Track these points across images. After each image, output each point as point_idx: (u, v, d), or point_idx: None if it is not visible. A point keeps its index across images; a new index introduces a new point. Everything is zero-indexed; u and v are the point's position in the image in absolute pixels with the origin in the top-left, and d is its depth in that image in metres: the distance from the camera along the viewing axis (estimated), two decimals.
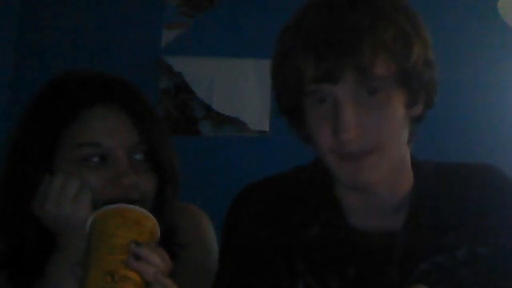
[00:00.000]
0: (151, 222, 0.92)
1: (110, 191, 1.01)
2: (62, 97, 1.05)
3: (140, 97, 1.08)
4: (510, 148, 2.35)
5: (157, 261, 0.89)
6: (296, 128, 1.06)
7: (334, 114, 0.94)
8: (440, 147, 2.32)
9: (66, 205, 0.97)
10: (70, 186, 0.98)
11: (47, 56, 2.39)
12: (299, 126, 1.04)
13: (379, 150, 0.96)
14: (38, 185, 1.00)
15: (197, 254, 1.14)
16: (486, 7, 2.34)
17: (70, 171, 1.00)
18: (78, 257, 0.92)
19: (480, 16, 2.40)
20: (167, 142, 1.09)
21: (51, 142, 1.02)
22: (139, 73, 2.38)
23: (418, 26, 0.97)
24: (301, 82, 0.95)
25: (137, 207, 0.92)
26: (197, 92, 2.44)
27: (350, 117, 0.93)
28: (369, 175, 0.96)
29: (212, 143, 2.43)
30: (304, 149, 1.06)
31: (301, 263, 1.03)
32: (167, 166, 1.07)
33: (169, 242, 1.08)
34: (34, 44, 2.44)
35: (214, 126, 2.45)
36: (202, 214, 1.22)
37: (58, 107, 1.04)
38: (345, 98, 0.93)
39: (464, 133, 2.34)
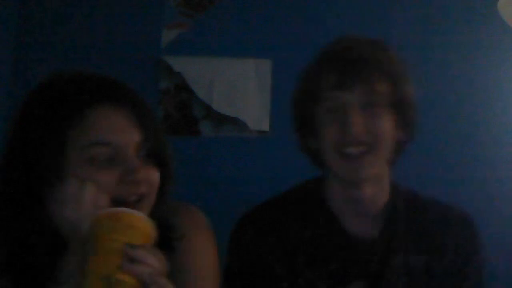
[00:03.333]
0: (146, 225, 0.92)
1: (123, 188, 1.01)
2: (63, 98, 1.03)
3: (138, 96, 1.09)
4: (510, 148, 2.35)
5: (152, 262, 0.89)
6: (305, 138, 1.33)
7: (343, 116, 1.23)
8: (439, 147, 2.32)
9: (85, 210, 0.96)
10: (86, 191, 0.97)
11: (46, 56, 2.39)
12: (309, 135, 1.31)
13: (374, 149, 1.24)
14: (48, 190, 0.99)
15: (194, 251, 1.14)
16: (486, 7, 2.34)
17: (80, 173, 0.99)
18: None
19: (480, 16, 2.40)
20: (165, 139, 1.11)
21: (59, 145, 1.00)
22: (139, 73, 2.38)
23: (409, 80, 1.30)
24: (318, 89, 1.26)
25: (131, 210, 0.92)
26: (197, 92, 2.44)
27: (357, 115, 1.23)
28: (365, 171, 1.25)
29: (212, 143, 2.43)
30: None
31: (302, 256, 1.29)
32: (169, 162, 1.09)
33: (165, 236, 1.08)
34: (33, 44, 2.43)
35: (213, 126, 2.45)
36: (199, 212, 1.23)
37: (62, 109, 1.02)
38: (352, 102, 1.24)
39: (463, 133, 2.34)
